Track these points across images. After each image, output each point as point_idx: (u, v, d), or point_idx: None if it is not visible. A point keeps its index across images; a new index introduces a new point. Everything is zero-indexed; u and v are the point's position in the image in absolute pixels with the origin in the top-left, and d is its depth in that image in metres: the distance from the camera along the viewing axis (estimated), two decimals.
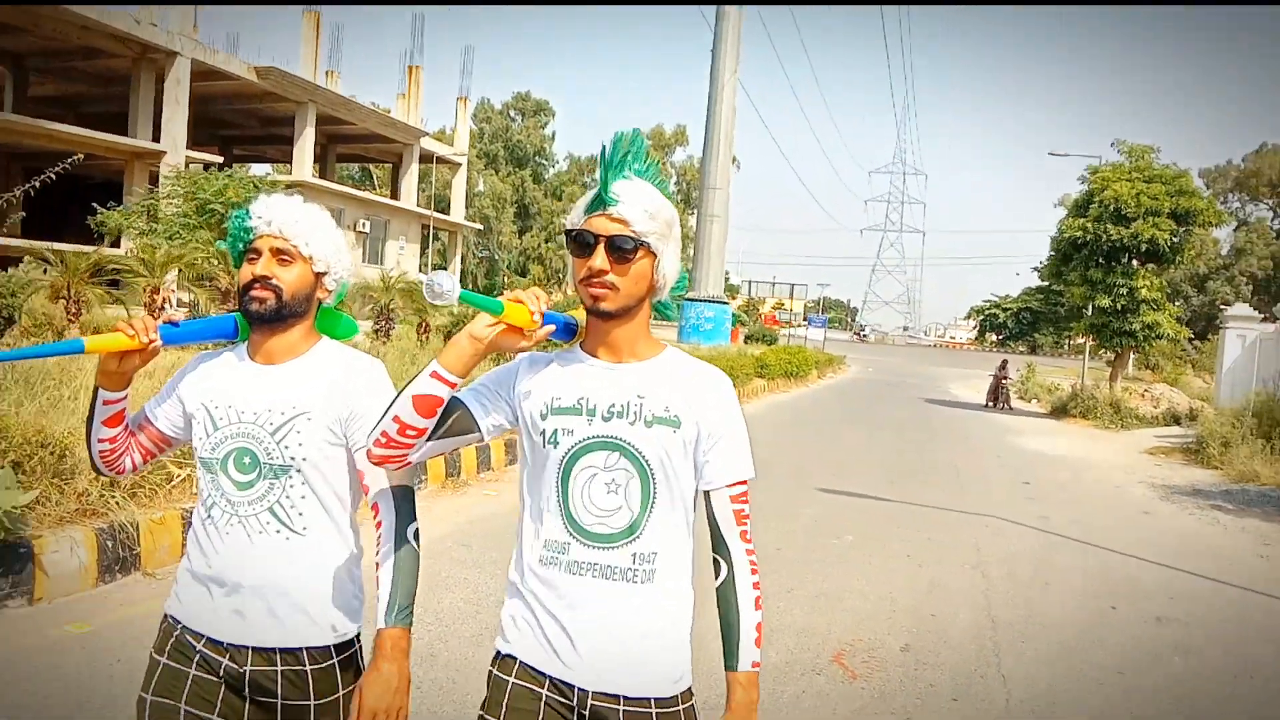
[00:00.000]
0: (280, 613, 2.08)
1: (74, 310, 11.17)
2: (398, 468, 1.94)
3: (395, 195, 49.22)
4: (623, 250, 1.89)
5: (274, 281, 2.12)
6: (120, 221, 16.87)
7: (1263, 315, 25.90)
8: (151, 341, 2.06)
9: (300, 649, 2.09)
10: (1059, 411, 25.60)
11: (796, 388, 27.83)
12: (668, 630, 1.94)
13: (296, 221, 2.16)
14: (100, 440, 2.20)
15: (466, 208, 59.10)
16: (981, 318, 68.98)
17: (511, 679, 1.96)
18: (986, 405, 27.40)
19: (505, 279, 72.14)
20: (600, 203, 1.91)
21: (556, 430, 1.93)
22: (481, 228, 66.87)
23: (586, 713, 1.91)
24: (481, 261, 75.82)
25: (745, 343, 42.00)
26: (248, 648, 2.09)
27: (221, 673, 2.10)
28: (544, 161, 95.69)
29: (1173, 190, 23.72)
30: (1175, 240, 24.12)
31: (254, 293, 2.12)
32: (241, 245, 2.18)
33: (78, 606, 4.87)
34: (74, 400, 6.14)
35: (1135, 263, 24.77)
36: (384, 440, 1.87)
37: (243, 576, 2.09)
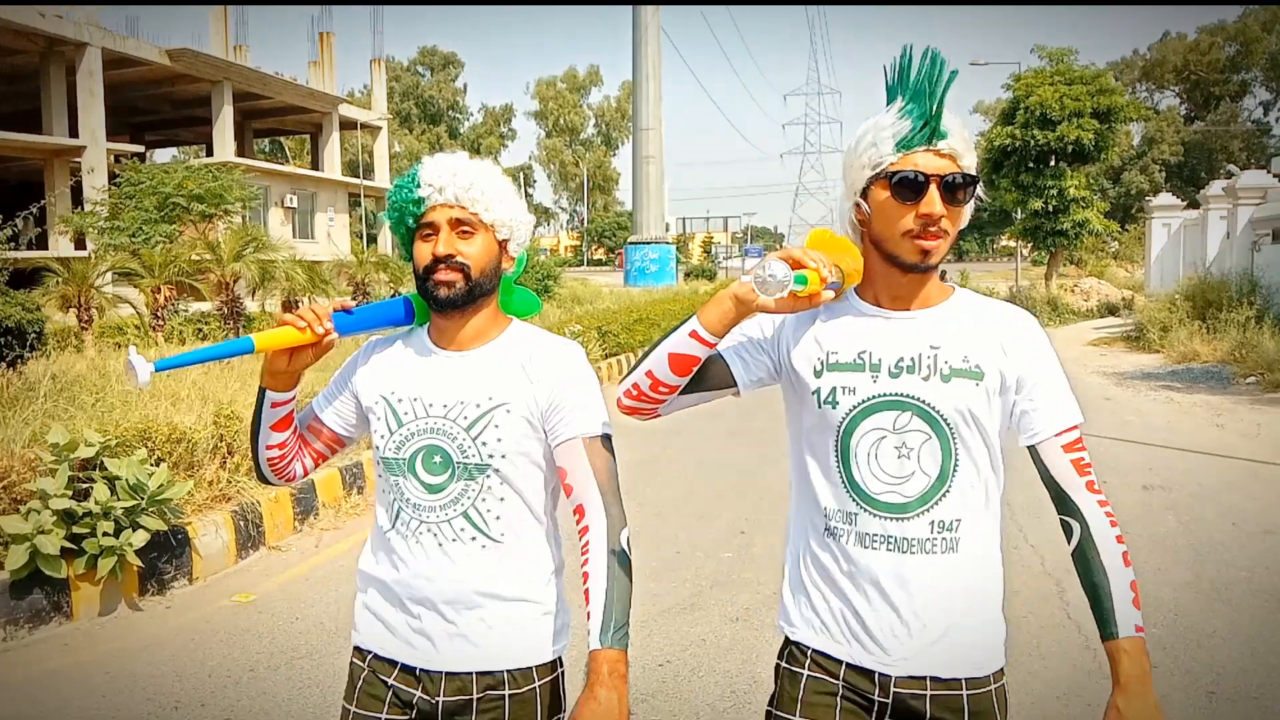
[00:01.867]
0: (477, 632, 1.87)
1: (86, 318, 11.35)
2: (646, 419, 1.82)
3: (317, 166, 48.53)
4: (955, 191, 1.64)
5: (459, 259, 1.86)
6: (80, 222, 16.85)
7: (1184, 203, 27.22)
8: (327, 333, 1.83)
9: (499, 672, 1.87)
10: None
11: None
12: (976, 605, 1.74)
13: (473, 184, 1.88)
14: (269, 447, 1.98)
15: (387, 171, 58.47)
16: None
17: (806, 671, 1.79)
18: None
19: None
20: (929, 134, 1.65)
21: (835, 389, 1.73)
22: None
23: (889, 700, 1.74)
24: None
25: (685, 280, 42.68)
26: (441, 673, 1.88)
27: (415, 709, 1.90)
28: (458, 115, 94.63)
29: (1094, 90, 24.76)
30: (1099, 138, 25.22)
31: (439, 275, 1.85)
32: (411, 221, 1.89)
33: (231, 581, 5.36)
34: (195, 397, 6.54)
35: (1063, 164, 25.86)
36: (635, 392, 1.77)
37: (434, 592, 1.88)
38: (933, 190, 1.63)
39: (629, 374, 1.79)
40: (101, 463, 4.82)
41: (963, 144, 1.66)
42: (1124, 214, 48.52)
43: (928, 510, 1.70)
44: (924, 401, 1.69)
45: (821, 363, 1.75)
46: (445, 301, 1.85)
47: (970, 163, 1.67)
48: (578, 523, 1.84)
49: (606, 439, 1.89)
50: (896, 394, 1.70)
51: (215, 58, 37.05)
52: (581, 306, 20.08)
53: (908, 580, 1.70)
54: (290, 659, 4.29)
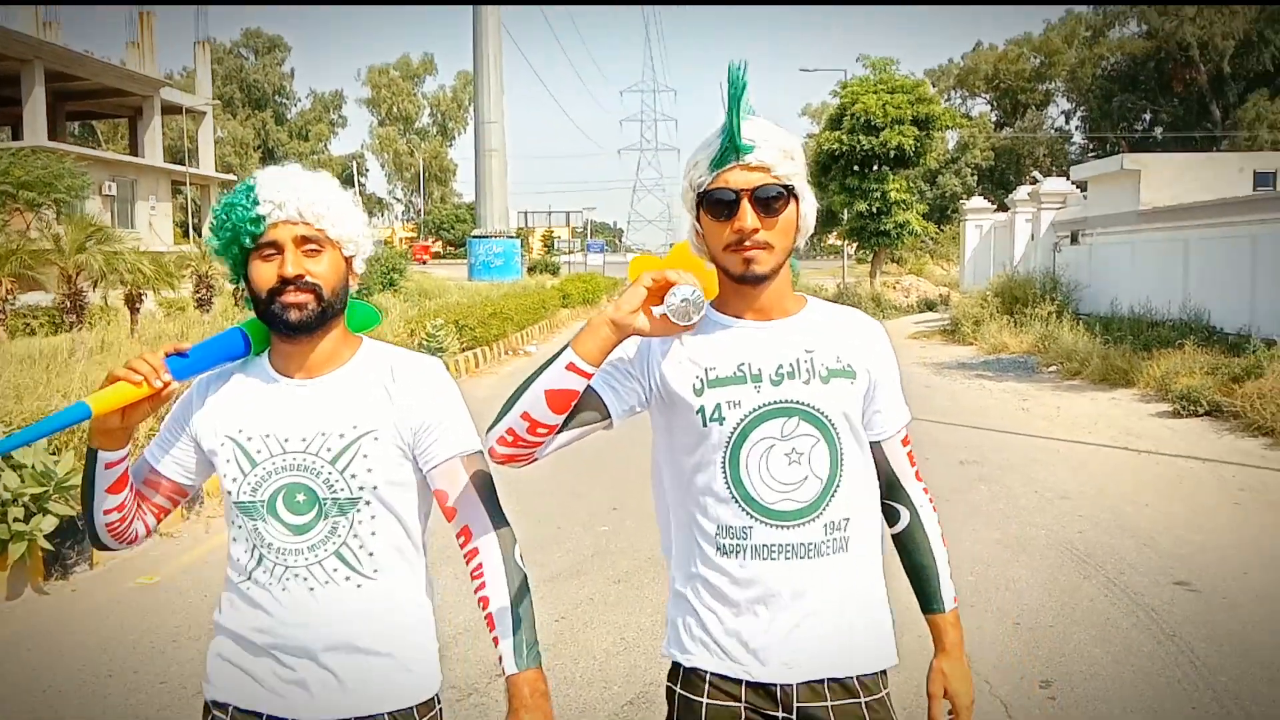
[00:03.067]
0: (354, 676, 1.76)
1: None
2: (522, 465, 1.69)
3: (136, 151, 46.35)
4: (770, 202, 1.65)
5: (309, 279, 1.73)
6: None
7: (995, 206, 29.38)
8: (166, 385, 1.66)
9: (380, 715, 1.77)
10: None
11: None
12: (867, 599, 1.78)
13: (316, 199, 1.74)
14: (107, 512, 1.79)
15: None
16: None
17: (705, 699, 1.75)
18: None
19: None
20: (733, 152, 1.66)
21: (719, 404, 1.70)
22: (235, 178, 63.87)
23: (793, 715, 1.73)
24: None
25: (530, 274, 42.98)
26: None
27: None
28: (285, 101, 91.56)
29: (913, 99, 26.50)
30: (918, 144, 27.01)
31: (289, 297, 1.71)
32: (248, 240, 1.72)
33: (129, 565, 5.52)
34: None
35: (886, 168, 27.56)
36: (510, 439, 1.64)
37: (309, 640, 1.75)
38: (745, 205, 1.64)
39: (497, 421, 1.65)
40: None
41: (775, 154, 1.65)
42: (940, 215, 51.50)
43: (821, 513, 1.71)
44: (809, 405, 1.70)
45: (701, 380, 1.71)
46: (297, 325, 1.72)
47: (787, 170, 1.65)
48: (464, 544, 1.76)
49: (480, 454, 1.81)
50: (781, 401, 1.70)
51: (25, 35, 34.96)
52: (431, 300, 20.19)
53: (805, 585, 1.70)
54: (210, 630, 4.56)
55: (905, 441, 1.86)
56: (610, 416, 1.73)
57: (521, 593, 1.76)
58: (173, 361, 1.69)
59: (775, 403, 1.70)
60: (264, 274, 1.73)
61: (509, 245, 38.95)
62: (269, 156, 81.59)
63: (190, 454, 1.85)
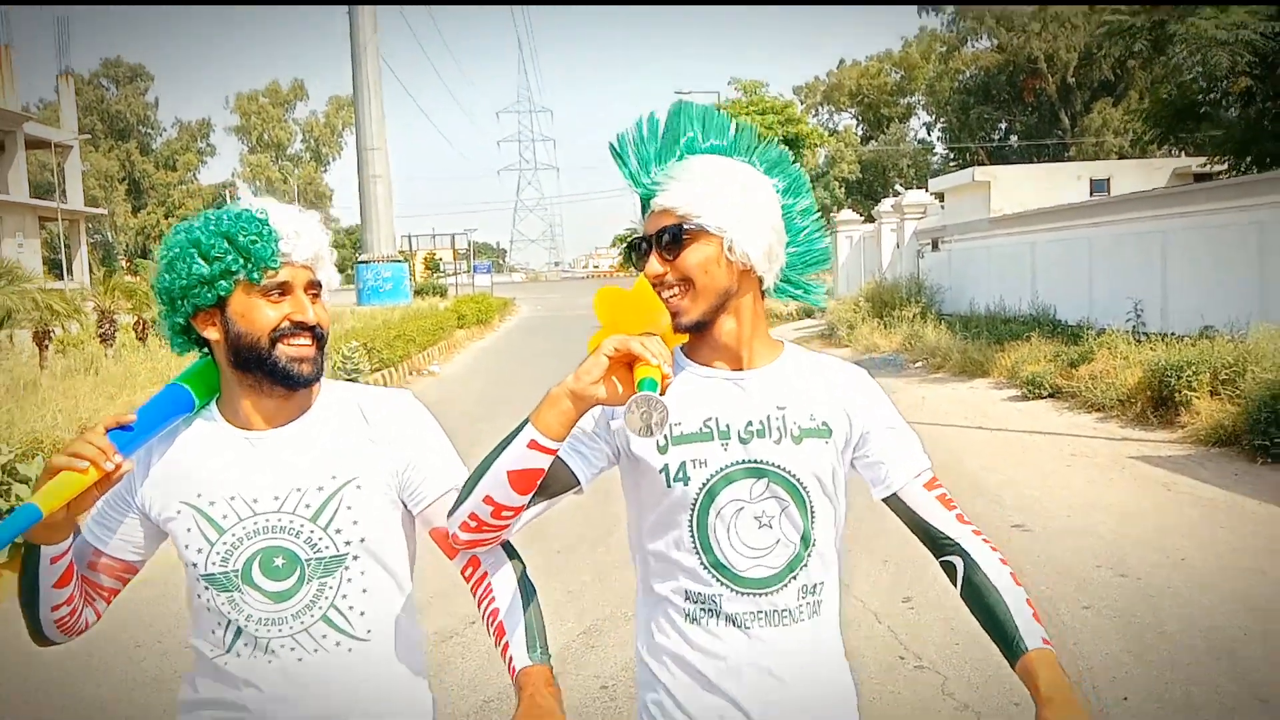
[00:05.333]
0: None
1: None
2: (488, 548, 1.61)
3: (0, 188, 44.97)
4: (670, 241, 1.57)
5: (320, 329, 1.64)
6: None
7: (863, 217, 31.12)
8: (118, 466, 1.47)
9: None
10: None
11: (488, 333, 29.95)
12: (835, 663, 1.68)
13: (322, 244, 1.67)
14: (55, 608, 1.61)
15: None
16: (625, 244, 73.90)
17: None
18: None
19: (125, 263, 67.32)
20: (645, 204, 1.62)
21: (684, 464, 1.59)
22: (105, 212, 62.20)
23: None
24: (95, 247, 70.24)
25: (417, 297, 43.20)
26: None
27: None
28: (150, 131, 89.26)
29: (783, 119, 28.06)
30: None
31: (296, 348, 1.60)
32: (258, 276, 1.58)
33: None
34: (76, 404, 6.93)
35: None
36: (474, 524, 1.53)
37: (298, 715, 1.62)
38: (651, 252, 1.58)
39: (458, 505, 1.54)
40: (14, 468, 5.53)
41: (684, 194, 1.55)
42: None
43: (795, 578, 1.60)
44: (779, 466, 1.59)
45: (666, 437, 1.59)
46: (304, 379, 1.61)
47: (694, 209, 1.55)
48: (471, 574, 1.66)
49: None
50: (750, 461, 1.59)
51: None
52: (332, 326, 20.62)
53: (781, 653, 1.59)
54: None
55: (931, 485, 1.69)
56: (580, 483, 1.60)
57: (532, 603, 1.66)
58: (116, 436, 1.51)
59: (744, 462, 1.59)
60: (267, 316, 1.59)
61: (397, 269, 39.26)
62: (135, 188, 79.52)
63: (138, 528, 1.66)
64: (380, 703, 1.67)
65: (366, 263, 38.01)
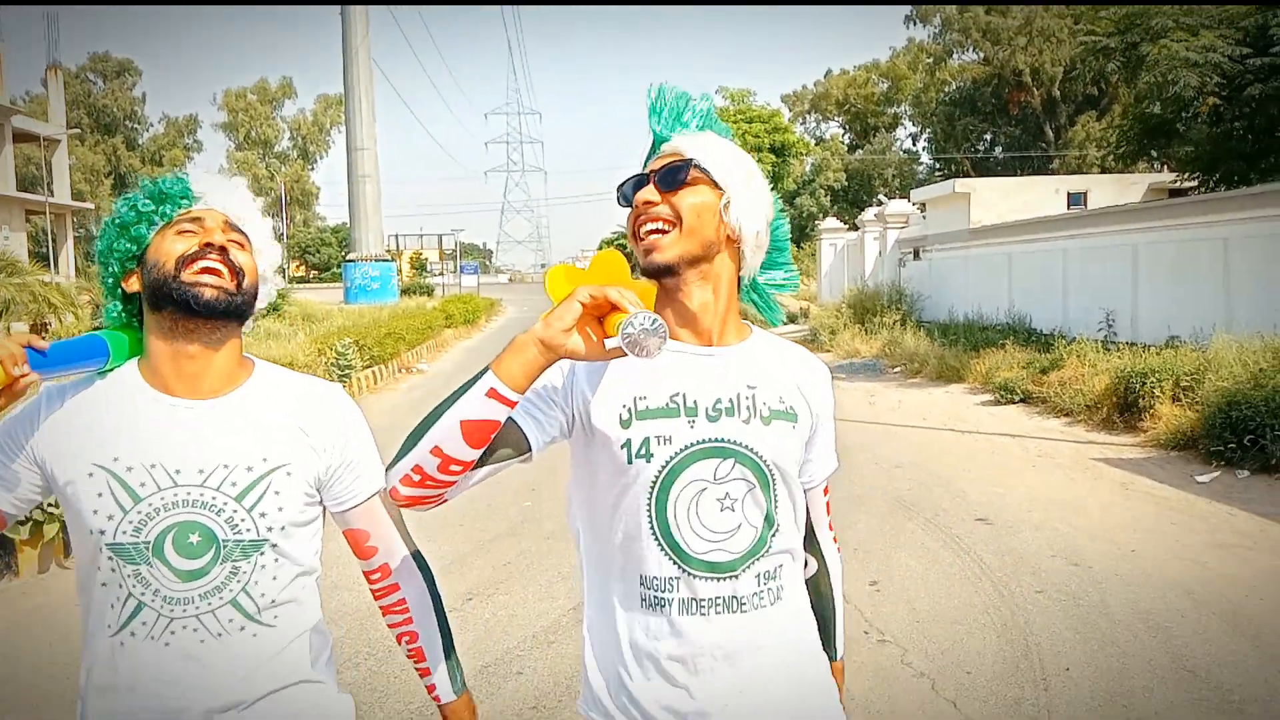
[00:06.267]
0: None
1: None
2: (429, 508, 1.47)
3: None
4: (674, 176, 1.53)
5: (234, 257, 1.57)
6: None
7: (847, 225, 31.59)
8: (25, 375, 1.38)
9: None
10: None
11: (475, 333, 30.28)
12: (812, 656, 1.65)
13: (248, 210, 1.66)
14: None
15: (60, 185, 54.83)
16: (611, 247, 74.19)
17: None
18: None
19: None
20: (655, 147, 1.62)
21: (648, 439, 1.52)
22: (91, 206, 62.12)
23: None
24: (80, 241, 70.06)
25: (404, 296, 43.45)
26: None
27: None
28: (136, 126, 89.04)
29: (770, 128, 28.49)
30: (776, 170, 28.98)
31: (203, 267, 1.53)
32: (169, 210, 1.58)
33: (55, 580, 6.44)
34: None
35: None
36: (417, 478, 1.41)
37: (195, 700, 1.54)
38: (649, 183, 1.54)
39: (401, 457, 1.42)
40: None
41: (694, 145, 1.56)
42: (799, 234, 53.99)
43: (754, 564, 1.55)
44: (746, 447, 1.54)
45: (629, 410, 1.53)
46: (208, 304, 1.51)
47: (703, 157, 1.55)
48: (378, 580, 1.69)
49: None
50: (717, 439, 1.53)
51: None
52: (317, 324, 20.92)
53: (740, 642, 1.54)
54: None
55: (826, 490, 1.79)
56: (530, 450, 1.51)
57: (445, 623, 1.72)
58: (31, 354, 1.41)
59: (710, 440, 1.53)
60: (176, 245, 1.54)
61: (385, 268, 39.52)
62: (121, 183, 79.24)
63: (31, 480, 1.56)
64: (286, 696, 1.61)
65: (354, 261, 38.26)
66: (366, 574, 1.72)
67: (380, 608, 1.73)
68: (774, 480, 1.58)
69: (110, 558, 1.52)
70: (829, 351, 20.30)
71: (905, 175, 62.88)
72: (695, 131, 1.62)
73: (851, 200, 61.29)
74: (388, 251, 45.94)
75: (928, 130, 61.66)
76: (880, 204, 27.21)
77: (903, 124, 67.95)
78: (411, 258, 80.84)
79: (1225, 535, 6.42)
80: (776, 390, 1.61)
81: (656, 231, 1.54)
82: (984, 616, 4.98)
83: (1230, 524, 6.70)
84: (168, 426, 1.55)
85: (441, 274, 60.32)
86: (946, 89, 54.98)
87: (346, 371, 13.51)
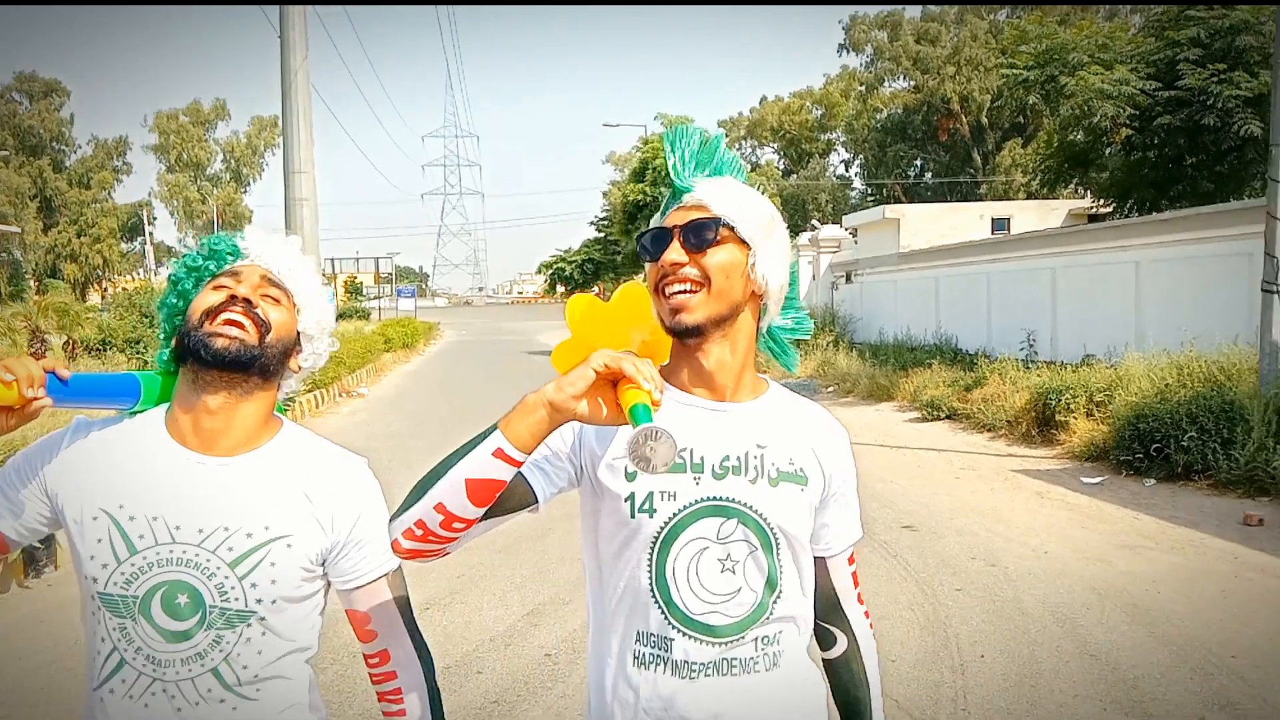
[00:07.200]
0: None
1: None
2: (430, 560, 1.45)
3: None
4: (702, 234, 1.48)
5: (259, 311, 1.54)
6: None
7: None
8: (36, 398, 1.38)
9: None
10: None
11: (414, 357, 30.34)
12: (811, 716, 1.59)
13: (294, 266, 1.64)
14: None
15: None
16: (550, 271, 74.34)
17: None
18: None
19: (34, 282, 65.89)
20: (675, 196, 1.56)
21: (651, 494, 1.49)
22: (18, 230, 60.83)
23: None
24: (2, 265, 68.48)
25: (341, 321, 43.23)
26: None
27: None
28: (64, 147, 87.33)
29: None
30: None
31: (224, 321, 1.51)
32: (213, 268, 1.60)
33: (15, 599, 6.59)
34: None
35: None
36: (419, 533, 1.40)
37: None
38: (675, 240, 1.50)
39: (404, 510, 1.42)
40: None
41: (718, 197, 1.51)
42: None
43: (752, 630, 1.52)
44: (750, 508, 1.51)
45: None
46: (221, 354, 1.49)
47: (729, 212, 1.50)
48: (377, 666, 1.62)
49: (399, 568, 1.63)
50: (721, 498, 1.51)
51: None
52: None
53: (730, 706, 1.51)
54: None
55: (851, 560, 1.68)
56: (537, 501, 1.50)
57: (439, 717, 1.65)
58: (52, 380, 1.42)
59: (714, 499, 1.51)
60: (207, 299, 1.54)
61: (324, 293, 39.26)
62: (47, 206, 77.65)
63: (40, 511, 1.55)
64: None
65: None
66: (365, 656, 1.64)
67: (376, 692, 1.65)
68: (778, 544, 1.54)
69: (99, 608, 1.49)
70: (765, 372, 20.77)
71: (838, 200, 64.02)
72: (714, 178, 1.57)
73: (787, 225, 62.29)
74: (324, 275, 45.62)
75: (860, 156, 62.94)
76: (814, 229, 27.93)
77: (836, 150, 69.23)
78: (346, 281, 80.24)
79: (1130, 537, 6.93)
80: (787, 451, 1.57)
81: (683, 292, 1.49)
82: (908, 613, 5.38)
83: (1135, 527, 7.22)
84: (177, 480, 1.51)
85: (379, 297, 60.03)
86: (878, 116, 56.26)
87: (289, 397, 13.59)
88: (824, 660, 1.68)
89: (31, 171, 78.95)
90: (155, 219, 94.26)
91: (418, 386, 21.14)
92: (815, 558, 1.62)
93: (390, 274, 77.43)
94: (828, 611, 1.66)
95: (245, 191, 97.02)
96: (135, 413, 1.59)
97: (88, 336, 17.93)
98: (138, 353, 18.26)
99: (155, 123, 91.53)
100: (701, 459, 1.51)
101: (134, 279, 65.38)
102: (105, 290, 64.58)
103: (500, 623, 5.39)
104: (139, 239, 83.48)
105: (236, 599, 1.48)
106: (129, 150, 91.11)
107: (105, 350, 18.03)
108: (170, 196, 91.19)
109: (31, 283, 62.74)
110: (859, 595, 1.69)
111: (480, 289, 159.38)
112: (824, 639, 1.67)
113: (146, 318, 20.31)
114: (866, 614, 1.70)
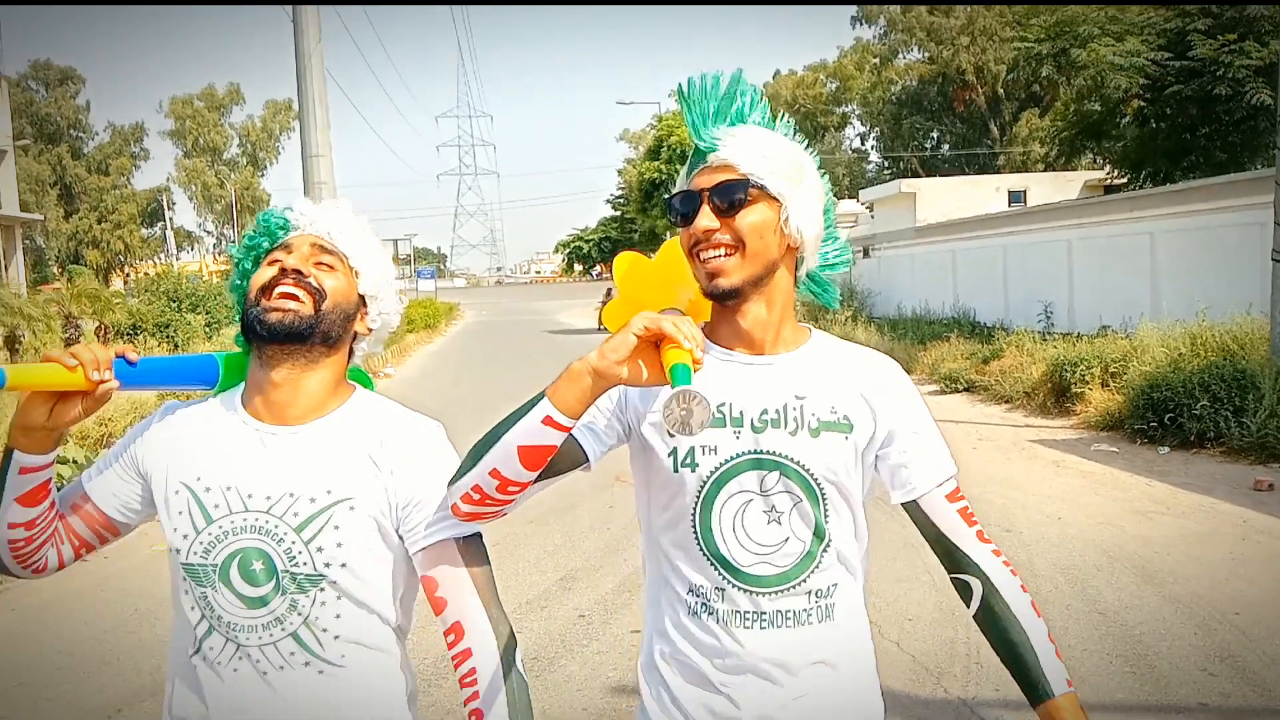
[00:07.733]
0: None
1: None
2: (491, 520, 1.49)
3: None
4: (731, 197, 1.47)
5: (311, 281, 1.54)
6: None
7: None
8: (103, 382, 1.41)
9: None
10: None
11: (436, 338, 30.69)
12: (856, 674, 1.58)
13: (346, 229, 1.63)
14: (12, 526, 1.54)
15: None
16: (568, 250, 74.48)
17: None
18: (600, 328, 32.03)
19: (58, 269, 66.42)
20: (699, 156, 1.53)
21: (693, 449, 1.51)
22: (41, 217, 61.37)
23: None
24: (28, 253, 69.03)
25: None
26: None
27: None
28: (81, 135, 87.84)
29: None
30: None
31: (279, 295, 1.52)
32: (267, 244, 1.61)
33: (138, 540, 6.88)
34: None
35: None
36: (476, 497, 1.44)
37: None
38: (704, 205, 1.49)
39: (461, 474, 1.46)
40: None
41: (745, 153, 1.49)
42: None
43: (804, 580, 1.53)
44: (792, 459, 1.51)
45: None
46: (276, 328, 1.51)
47: (759, 169, 1.49)
48: (453, 644, 1.54)
49: (479, 538, 1.59)
50: (763, 451, 1.52)
51: None
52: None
53: (786, 659, 1.52)
54: None
55: (953, 497, 1.60)
56: (589, 460, 1.53)
57: (524, 701, 1.54)
58: (119, 364, 1.47)
59: (754, 452, 1.52)
60: (262, 274, 1.57)
61: (382, 252, 39.64)
62: (67, 193, 78.29)
63: (137, 491, 1.61)
64: None
65: None
66: (444, 634, 1.56)
67: (459, 678, 1.54)
68: (823, 494, 1.53)
69: (184, 578, 1.54)
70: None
71: (855, 174, 63.75)
72: (733, 128, 1.53)
73: None
74: None
75: (876, 129, 62.62)
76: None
77: (851, 123, 68.90)
78: None
79: (1143, 503, 7.14)
80: (829, 400, 1.55)
81: (719, 257, 1.50)
82: (924, 576, 5.62)
83: (1148, 493, 7.44)
84: (249, 450, 1.55)
85: (400, 279, 60.30)
86: (893, 88, 55.92)
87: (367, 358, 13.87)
88: (974, 617, 1.57)
89: (50, 159, 79.51)
90: (174, 204, 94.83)
91: (442, 366, 21.50)
92: (908, 503, 1.59)
93: (409, 255, 77.68)
94: (951, 560, 1.58)
95: (263, 175, 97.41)
96: (218, 392, 1.65)
97: (118, 321, 18.32)
98: (168, 336, 18.63)
99: (170, 108, 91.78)
100: (741, 413, 1.52)
101: (156, 264, 66.01)
102: (128, 276, 65.13)
103: (535, 587, 5.67)
104: (159, 224, 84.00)
105: (305, 563, 1.51)
106: (145, 136, 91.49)
107: (136, 335, 18.40)
108: (188, 181, 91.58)
109: (55, 270, 63.31)
110: (978, 534, 1.59)
111: (499, 269, 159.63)
112: (961, 592, 1.59)
113: (175, 302, 20.71)
114: (996, 552, 1.58)
